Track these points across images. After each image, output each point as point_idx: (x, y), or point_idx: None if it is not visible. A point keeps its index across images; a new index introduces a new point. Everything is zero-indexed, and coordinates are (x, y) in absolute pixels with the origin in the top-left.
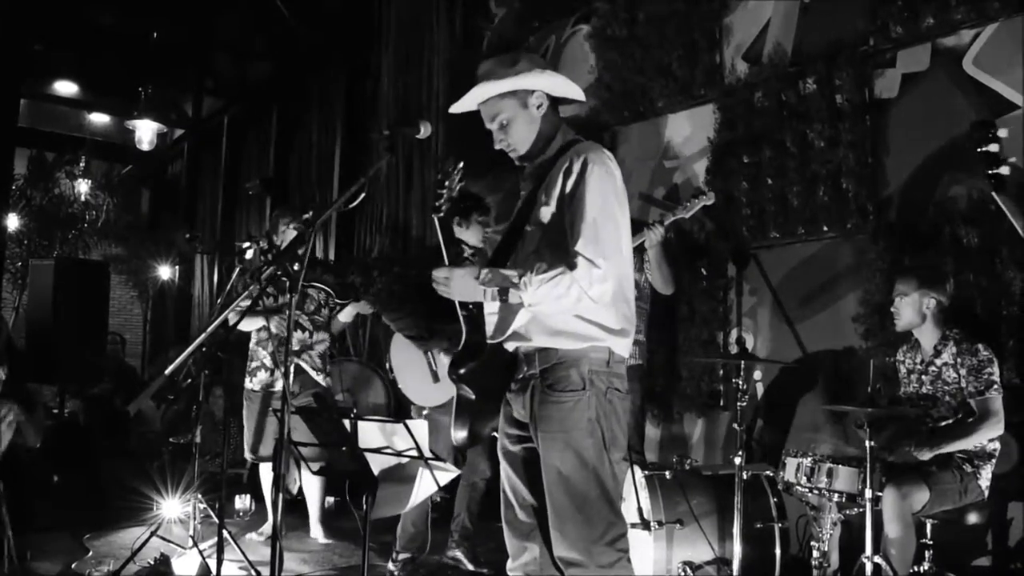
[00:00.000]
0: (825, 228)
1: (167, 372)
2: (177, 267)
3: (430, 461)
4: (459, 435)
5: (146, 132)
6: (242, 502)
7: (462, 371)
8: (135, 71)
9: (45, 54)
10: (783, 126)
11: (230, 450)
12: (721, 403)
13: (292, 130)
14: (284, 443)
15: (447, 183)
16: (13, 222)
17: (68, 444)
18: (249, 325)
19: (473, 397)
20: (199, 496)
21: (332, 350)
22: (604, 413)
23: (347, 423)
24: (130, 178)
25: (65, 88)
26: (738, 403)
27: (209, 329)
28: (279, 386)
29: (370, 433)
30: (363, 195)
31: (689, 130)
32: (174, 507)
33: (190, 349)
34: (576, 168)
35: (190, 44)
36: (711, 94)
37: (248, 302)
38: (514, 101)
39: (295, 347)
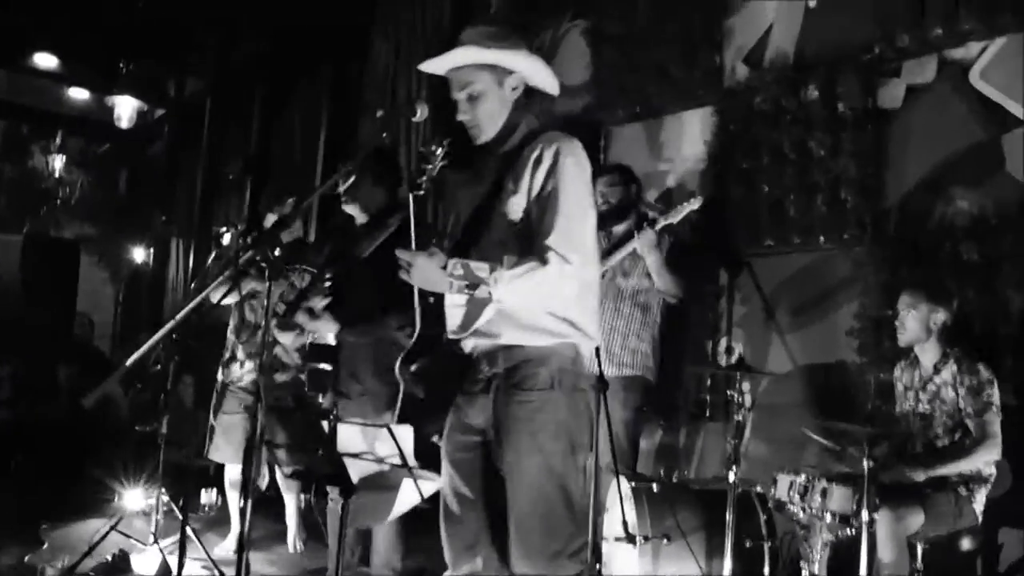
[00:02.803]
0: (822, 238)
1: (127, 363)
2: (152, 250)
3: (415, 470)
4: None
5: (125, 109)
6: (208, 496)
7: (414, 367)
8: (117, 47)
9: (25, 25)
10: (782, 132)
11: (197, 441)
12: (707, 414)
13: (276, 114)
14: (256, 444)
15: (430, 161)
16: None
17: (27, 428)
18: (224, 299)
19: (421, 397)
20: (162, 489)
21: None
22: (572, 415)
23: (326, 425)
24: (108, 157)
25: (44, 61)
26: (735, 416)
27: (179, 315)
28: (248, 379)
29: (350, 437)
30: (352, 179)
31: (685, 132)
32: (136, 499)
33: (156, 337)
34: (547, 158)
35: (174, 21)
36: (710, 97)
37: (223, 288)
38: (491, 76)
39: (271, 335)
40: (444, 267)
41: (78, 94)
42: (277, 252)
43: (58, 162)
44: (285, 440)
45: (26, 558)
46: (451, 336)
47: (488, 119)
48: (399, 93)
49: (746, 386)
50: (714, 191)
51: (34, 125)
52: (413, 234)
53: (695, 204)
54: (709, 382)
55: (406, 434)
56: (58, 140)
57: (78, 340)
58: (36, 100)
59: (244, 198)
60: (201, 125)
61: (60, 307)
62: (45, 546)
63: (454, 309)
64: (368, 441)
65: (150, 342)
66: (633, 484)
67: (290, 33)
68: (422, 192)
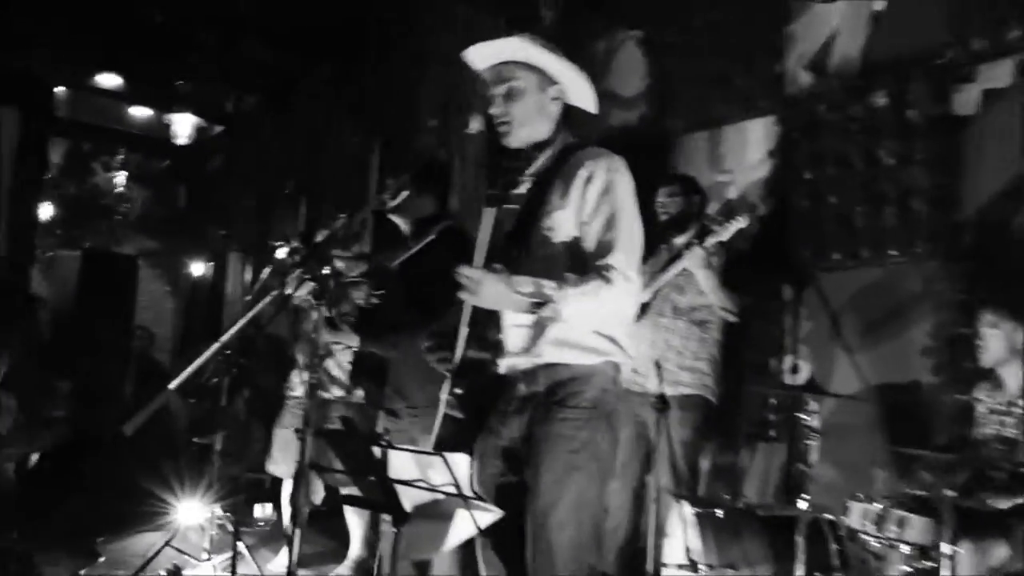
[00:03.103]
0: (892, 252)
1: (170, 387)
2: (210, 263)
3: (470, 500)
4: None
5: (183, 126)
6: (262, 511)
7: (459, 390)
8: (177, 66)
9: (87, 46)
10: (849, 141)
11: (251, 455)
12: (772, 434)
13: (329, 128)
14: (303, 469)
15: (516, 179)
16: (47, 211)
17: (83, 442)
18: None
19: (460, 417)
20: (217, 505)
21: None
22: (608, 437)
23: (377, 450)
24: (167, 173)
25: (107, 80)
26: (804, 440)
27: (227, 334)
28: (302, 391)
29: (403, 463)
30: (406, 192)
31: (746, 142)
32: (191, 513)
33: (203, 357)
34: (600, 175)
35: (230, 39)
36: (771, 105)
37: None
38: (535, 77)
39: (321, 350)
40: (510, 285)
41: (139, 112)
42: (327, 270)
43: (119, 178)
44: (335, 464)
45: (82, 572)
46: (512, 359)
47: (521, 119)
48: (451, 108)
49: (812, 405)
50: (777, 203)
51: (96, 143)
52: (483, 252)
53: (743, 222)
54: (772, 402)
55: (461, 462)
56: (119, 157)
57: (137, 352)
58: (98, 118)
59: (300, 213)
60: (257, 140)
61: (118, 321)
62: (101, 560)
63: (517, 328)
64: (421, 468)
65: (198, 361)
66: (697, 510)
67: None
68: (506, 205)
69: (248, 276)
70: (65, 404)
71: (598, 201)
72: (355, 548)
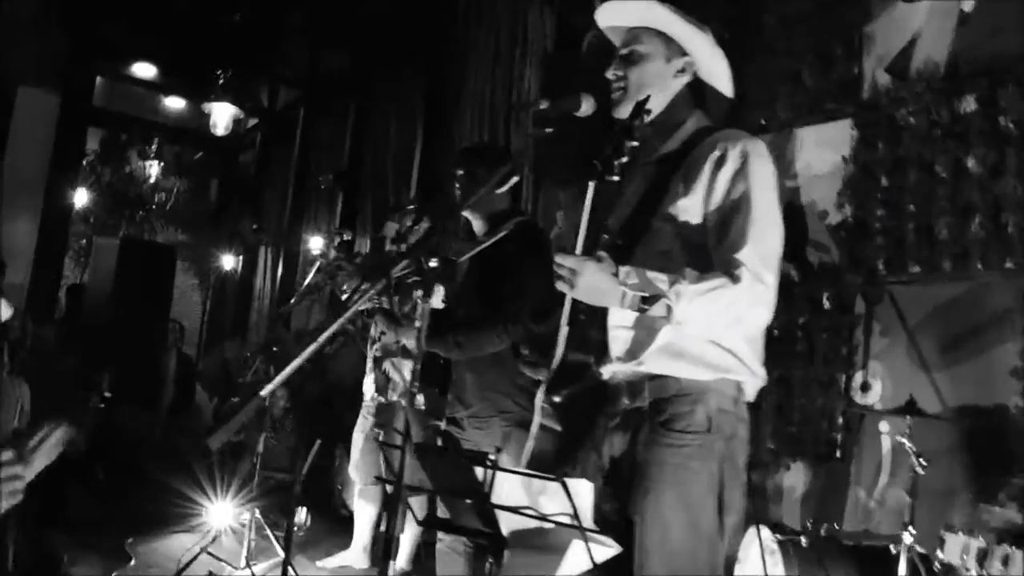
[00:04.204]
0: (979, 266)
1: (263, 393)
2: (241, 257)
3: (589, 532)
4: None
5: (222, 116)
6: (297, 515)
7: (558, 398)
8: (213, 56)
9: (124, 36)
10: (934, 148)
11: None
12: (838, 455)
13: (368, 124)
14: (400, 491)
15: (623, 148)
16: (81, 198)
17: (116, 438)
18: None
19: (559, 430)
20: (256, 511)
21: None
22: (728, 466)
23: (480, 471)
24: (200, 164)
25: (143, 70)
26: (912, 470)
27: (321, 338)
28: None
29: (511, 487)
30: (515, 178)
31: (817, 147)
32: (224, 514)
33: (296, 362)
34: (733, 158)
35: (267, 31)
36: (847, 108)
37: (368, 304)
38: (661, 45)
39: (378, 352)
40: (615, 275)
41: (174, 102)
42: (433, 263)
43: (154, 168)
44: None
45: (113, 574)
46: (616, 365)
47: (638, 85)
48: (497, 101)
49: (884, 426)
50: (852, 211)
51: (131, 132)
52: (583, 234)
53: None
54: (841, 420)
55: (584, 490)
56: (154, 146)
57: (170, 347)
58: (134, 108)
59: (334, 209)
60: (292, 135)
61: (157, 311)
62: (132, 563)
63: (621, 330)
64: (532, 495)
65: (289, 368)
66: (779, 536)
67: (382, 42)
68: (616, 177)
69: (280, 271)
70: (99, 397)
71: (729, 186)
72: (362, 536)
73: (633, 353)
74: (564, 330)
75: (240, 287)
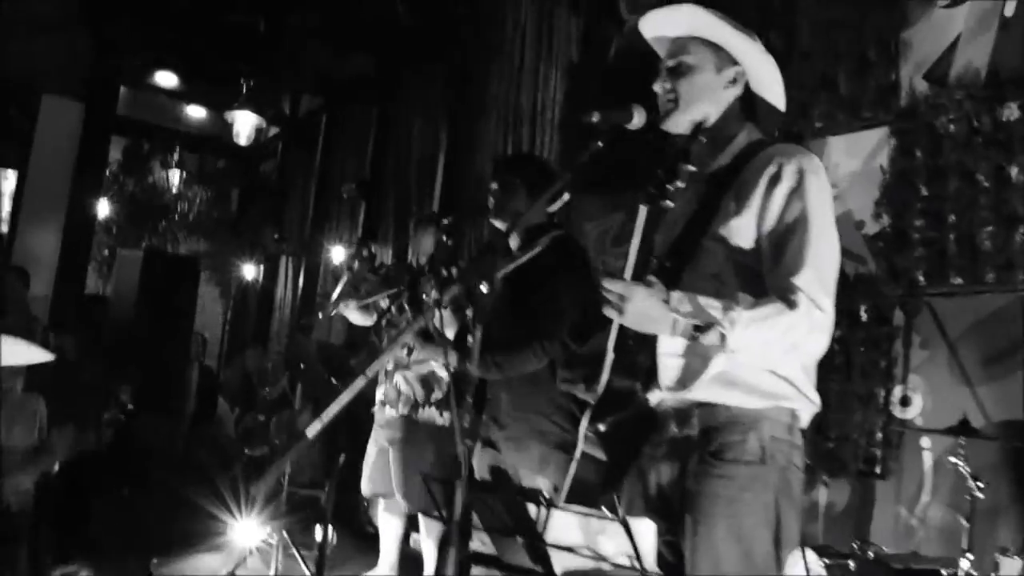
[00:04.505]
0: (1023, 277)
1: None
2: (262, 266)
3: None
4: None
5: (244, 125)
6: (323, 533)
7: (603, 426)
8: (235, 65)
9: (146, 45)
10: (975, 156)
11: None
12: (878, 471)
13: (391, 132)
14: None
15: (679, 171)
16: (104, 209)
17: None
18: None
19: (603, 459)
20: (284, 531)
21: None
22: (783, 497)
23: (533, 509)
24: (222, 173)
25: (165, 79)
26: (970, 493)
27: (370, 372)
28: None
29: (566, 526)
30: (567, 196)
31: (853, 155)
32: (248, 533)
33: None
34: (789, 176)
35: (289, 39)
36: (883, 116)
37: (418, 324)
38: (711, 56)
39: (390, 366)
40: (666, 302)
41: (196, 112)
42: (485, 288)
43: (176, 178)
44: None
45: None
46: (666, 394)
47: (687, 98)
48: (523, 108)
49: (925, 442)
50: (891, 220)
51: (154, 141)
52: (633, 259)
53: None
54: (880, 436)
55: (647, 531)
56: (176, 156)
57: (193, 359)
58: (157, 117)
59: (356, 218)
60: (314, 144)
61: (180, 324)
62: None
63: (672, 358)
64: (589, 534)
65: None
66: (825, 560)
67: (404, 48)
68: (667, 203)
69: (301, 280)
70: (121, 409)
71: (785, 205)
72: (389, 554)
73: (684, 382)
74: (610, 356)
75: (261, 296)
